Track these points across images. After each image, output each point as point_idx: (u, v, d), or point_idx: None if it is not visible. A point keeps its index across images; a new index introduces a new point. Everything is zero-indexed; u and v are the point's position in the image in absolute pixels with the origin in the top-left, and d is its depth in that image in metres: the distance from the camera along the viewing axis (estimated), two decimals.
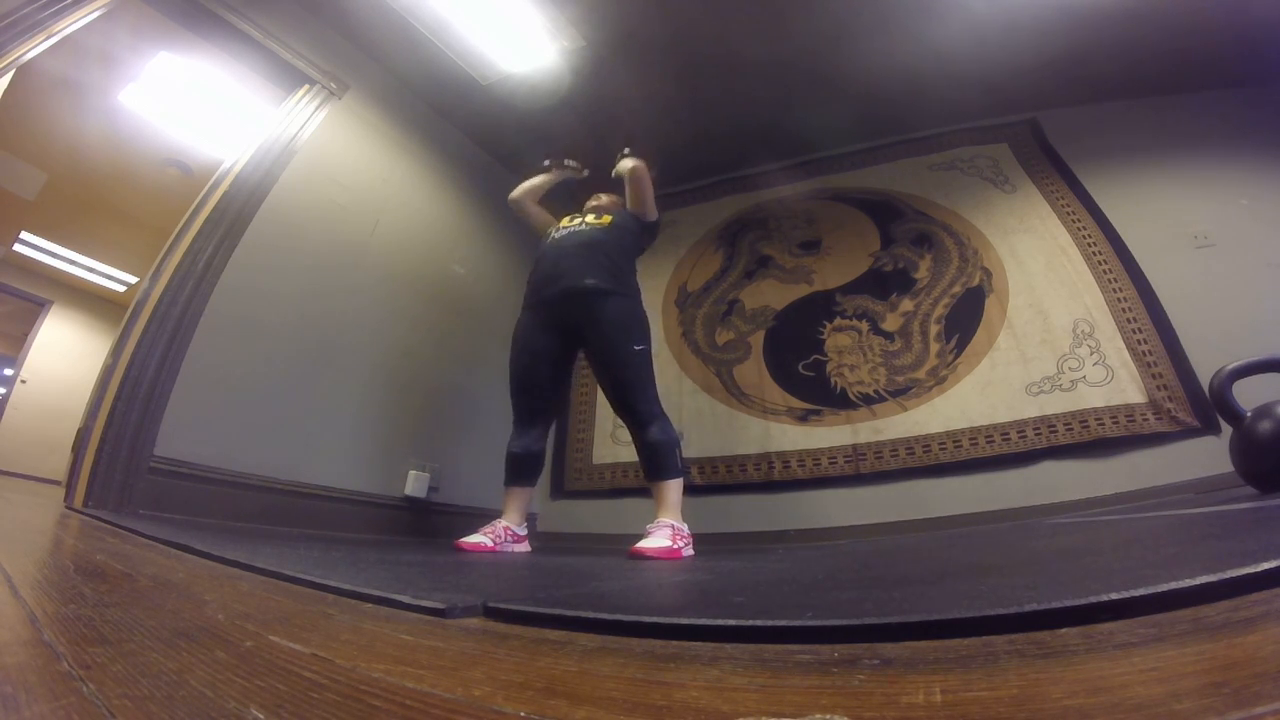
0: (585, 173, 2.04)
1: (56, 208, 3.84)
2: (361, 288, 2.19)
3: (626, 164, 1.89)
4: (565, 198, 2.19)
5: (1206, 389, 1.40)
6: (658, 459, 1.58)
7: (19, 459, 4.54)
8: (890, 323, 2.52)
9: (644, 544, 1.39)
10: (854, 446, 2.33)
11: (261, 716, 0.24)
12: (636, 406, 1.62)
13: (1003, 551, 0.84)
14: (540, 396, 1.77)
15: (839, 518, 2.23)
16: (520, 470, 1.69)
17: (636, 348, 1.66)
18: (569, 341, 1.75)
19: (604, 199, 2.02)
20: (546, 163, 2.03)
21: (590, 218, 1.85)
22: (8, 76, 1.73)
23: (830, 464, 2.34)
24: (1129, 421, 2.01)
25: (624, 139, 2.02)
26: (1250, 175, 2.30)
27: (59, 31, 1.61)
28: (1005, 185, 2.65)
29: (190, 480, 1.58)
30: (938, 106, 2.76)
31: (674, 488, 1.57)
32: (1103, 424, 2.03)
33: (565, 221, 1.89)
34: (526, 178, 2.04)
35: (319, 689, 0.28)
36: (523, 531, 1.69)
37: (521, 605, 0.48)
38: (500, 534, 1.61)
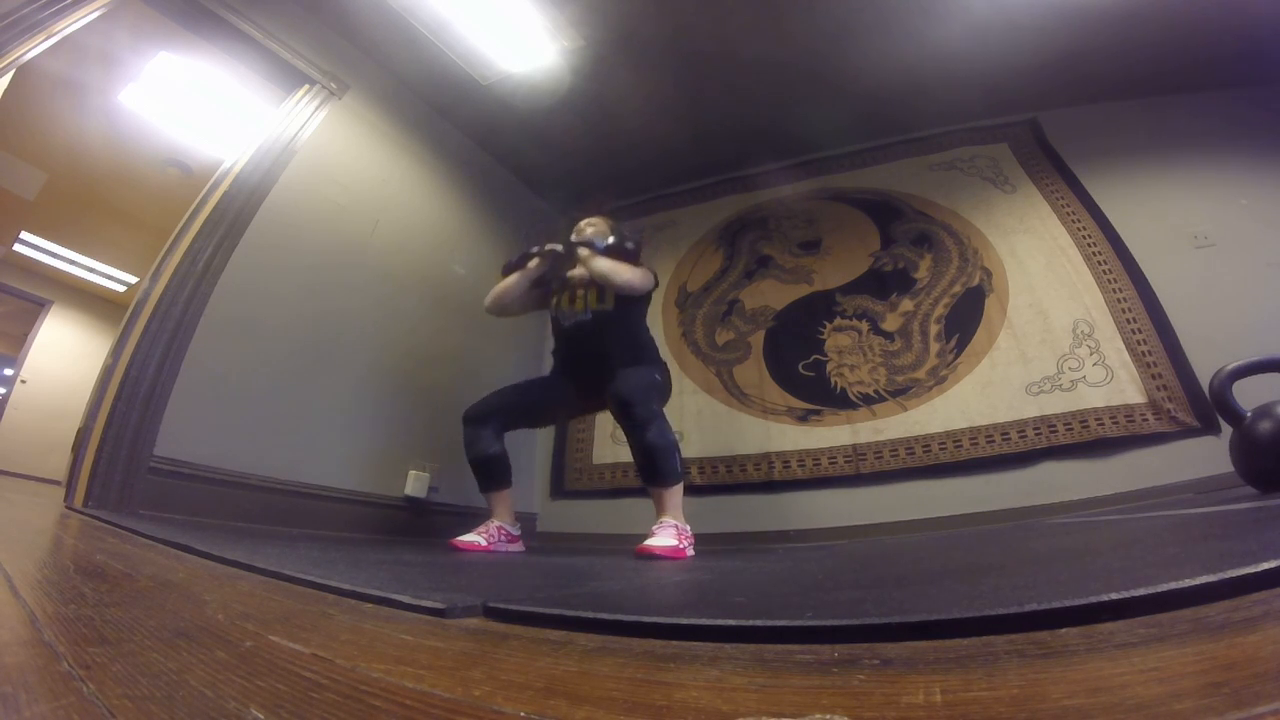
0: (560, 247, 1.82)
1: (56, 208, 3.84)
2: (362, 288, 2.19)
3: (599, 266, 1.70)
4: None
5: (1206, 389, 1.40)
6: (656, 464, 1.54)
7: (19, 459, 4.54)
8: (890, 323, 2.52)
9: (651, 543, 1.39)
10: (854, 446, 2.33)
11: (261, 716, 0.24)
12: (634, 405, 1.57)
13: (1003, 551, 0.84)
14: (522, 407, 1.79)
15: (839, 518, 2.23)
16: (487, 475, 1.69)
17: (657, 377, 1.74)
18: (593, 401, 1.81)
19: (590, 229, 1.87)
20: (515, 259, 1.84)
21: (594, 298, 1.77)
22: (8, 76, 1.73)
23: (830, 464, 2.34)
24: (1129, 421, 2.01)
25: (570, 223, 1.83)
26: (1250, 175, 2.30)
27: (59, 31, 1.60)
28: (1005, 185, 2.65)
29: (190, 480, 1.58)
30: (938, 106, 2.75)
31: (674, 491, 1.55)
32: (1102, 424, 2.03)
33: (567, 304, 1.80)
34: (515, 267, 1.86)
35: (319, 689, 0.28)
36: (516, 531, 1.69)
37: (521, 605, 0.48)
38: (494, 534, 1.61)
